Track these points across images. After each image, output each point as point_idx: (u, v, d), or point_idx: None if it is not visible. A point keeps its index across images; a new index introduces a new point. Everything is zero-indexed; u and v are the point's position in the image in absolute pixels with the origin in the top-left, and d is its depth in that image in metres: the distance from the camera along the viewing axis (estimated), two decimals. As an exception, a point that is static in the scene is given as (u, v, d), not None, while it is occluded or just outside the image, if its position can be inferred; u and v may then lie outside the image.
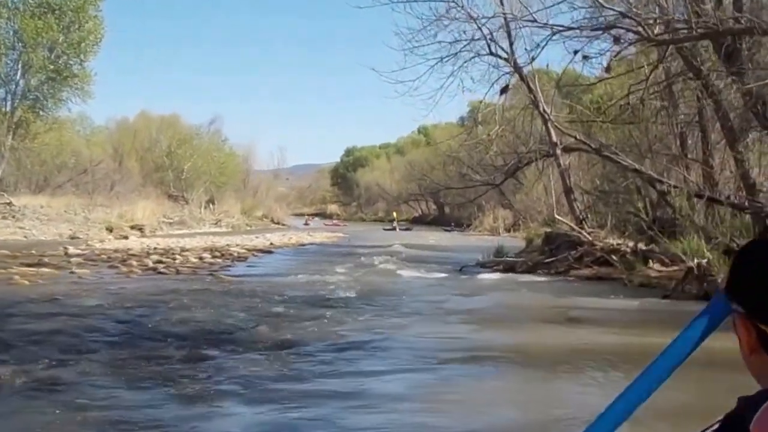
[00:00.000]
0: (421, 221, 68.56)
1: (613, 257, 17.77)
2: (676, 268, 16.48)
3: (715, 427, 0.88)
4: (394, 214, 66.52)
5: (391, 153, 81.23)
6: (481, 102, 23.44)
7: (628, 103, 17.72)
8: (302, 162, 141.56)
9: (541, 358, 9.29)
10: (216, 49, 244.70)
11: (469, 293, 16.25)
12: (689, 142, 23.19)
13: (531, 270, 19.98)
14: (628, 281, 16.27)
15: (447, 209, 65.73)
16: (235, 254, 26.99)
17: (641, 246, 17.50)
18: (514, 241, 31.12)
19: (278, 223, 64.07)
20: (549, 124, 20.70)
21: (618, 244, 18.16)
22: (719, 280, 11.79)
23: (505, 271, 21.24)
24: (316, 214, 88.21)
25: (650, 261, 17.23)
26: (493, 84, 21.40)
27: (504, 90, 21.12)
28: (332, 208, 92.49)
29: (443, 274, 21.21)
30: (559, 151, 20.65)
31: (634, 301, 13.90)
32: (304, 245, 35.97)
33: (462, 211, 59.36)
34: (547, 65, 25.22)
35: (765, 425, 0.78)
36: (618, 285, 16.47)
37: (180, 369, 7.55)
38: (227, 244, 31.13)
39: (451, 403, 6.79)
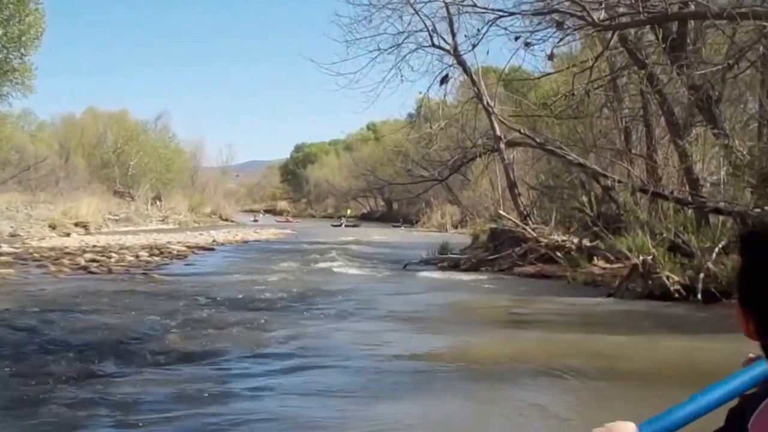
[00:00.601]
0: (369, 218, 67.58)
1: (558, 254, 17.02)
2: (620, 265, 15.79)
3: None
4: (349, 211, 65.61)
5: (340, 149, 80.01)
6: (421, 94, 22.46)
7: (573, 93, 16.91)
8: (253, 158, 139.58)
9: (481, 366, 8.36)
10: (165, 44, 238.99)
11: (409, 292, 15.33)
12: (634, 137, 22.71)
13: (475, 267, 19.15)
14: (572, 279, 15.51)
15: (395, 205, 64.94)
16: (175, 252, 25.68)
17: (586, 242, 16.78)
18: (461, 238, 30.44)
19: (227, 220, 62.83)
20: (493, 118, 19.88)
21: (563, 241, 17.43)
22: (664, 278, 11.00)
23: (449, 268, 20.43)
24: (266, 211, 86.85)
25: (595, 258, 16.52)
26: (436, 77, 20.54)
27: (444, 80, 20.24)
28: (282, 204, 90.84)
29: (386, 272, 20.27)
30: (502, 145, 19.84)
31: (578, 300, 13.10)
32: (248, 242, 34.73)
33: (410, 207, 58.70)
34: (488, 52, 24.48)
35: (762, 425, 0.79)
36: (562, 283, 15.71)
37: (60, 389, 6.42)
38: (168, 242, 29.71)
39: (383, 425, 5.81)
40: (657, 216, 17.59)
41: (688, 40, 17.28)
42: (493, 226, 21.74)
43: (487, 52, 30.89)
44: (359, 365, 8.04)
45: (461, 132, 23.98)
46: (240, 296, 14.03)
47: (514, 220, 19.28)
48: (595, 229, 17.75)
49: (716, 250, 12.37)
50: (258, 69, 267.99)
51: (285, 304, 13.15)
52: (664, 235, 12.94)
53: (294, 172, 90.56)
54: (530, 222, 19.32)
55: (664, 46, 16.79)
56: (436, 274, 18.89)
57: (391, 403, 6.55)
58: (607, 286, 14.31)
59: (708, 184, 18.63)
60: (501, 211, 20.28)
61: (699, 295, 11.84)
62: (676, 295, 12.18)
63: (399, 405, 6.51)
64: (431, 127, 22.15)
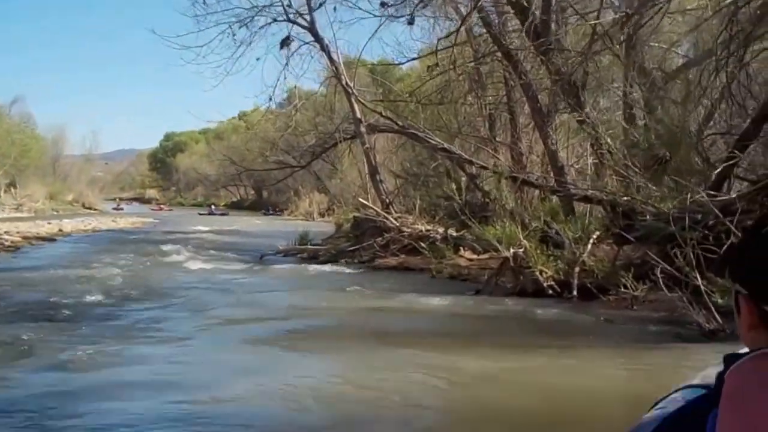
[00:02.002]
0: (239, 206, 64.46)
1: (422, 244, 15.08)
2: (487, 256, 14.06)
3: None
4: (218, 202, 62.22)
5: (210, 138, 75.75)
6: (281, 76, 19.97)
7: (435, 67, 15.06)
8: (123, 147, 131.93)
9: (324, 396, 6.14)
10: (24, 26, 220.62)
11: (256, 290, 12.93)
12: (498, 124, 21.31)
13: (334, 259, 16.97)
14: (437, 272, 13.61)
15: (265, 194, 62.06)
16: (7, 243, 22.02)
17: (452, 232, 14.94)
18: (327, 226, 28.36)
19: (90, 208, 58.88)
20: (352, 99, 17.69)
21: (427, 230, 15.50)
22: (537, 273, 9.16)
23: (308, 259, 18.20)
24: (134, 199, 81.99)
25: (461, 248, 14.71)
26: (292, 54, 18.12)
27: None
28: (151, 192, 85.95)
29: (238, 265, 17.78)
30: (363, 129, 17.69)
31: (442, 298, 11.06)
32: (100, 231, 31.07)
33: (279, 195, 56.25)
34: (336, 24, 22.18)
35: (739, 373, 0.76)
36: (426, 277, 13.77)
37: None
38: (6, 231, 25.80)
39: None
40: (523, 205, 16.09)
41: (552, 28, 16.09)
42: (357, 214, 19.61)
43: (335, 23, 28.58)
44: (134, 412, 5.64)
45: (322, 116, 21.74)
46: (54, 299, 11.17)
47: (375, 208, 17.19)
48: (462, 218, 16.03)
49: (591, 241, 10.74)
50: (127, 56, 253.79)
51: (105, 311, 10.47)
52: (534, 225, 11.17)
53: (163, 160, 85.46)
54: (393, 210, 17.30)
55: (527, 34, 15.52)
56: (293, 267, 16.57)
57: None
58: (474, 281, 12.49)
59: (573, 172, 17.35)
60: (362, 200, 18.15)
61: (575, 292, 10.15)
62: (550, 292, 10.44)
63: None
64: (294, 111, 19.72)
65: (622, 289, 9.55)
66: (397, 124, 16.80)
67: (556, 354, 7.38)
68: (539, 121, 17.33)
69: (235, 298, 11.90)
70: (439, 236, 15.03)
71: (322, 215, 42.38)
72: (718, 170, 10.49)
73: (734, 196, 8.84)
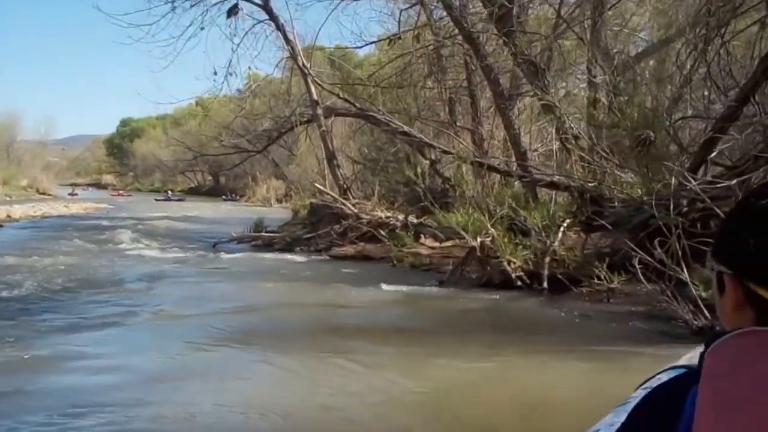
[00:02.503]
0: (197, 192, 62.71)
1: (381, 232, 14.13)
2: (449, 243, 13.19)
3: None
4: (175, 188, 60.40)
5: (168, 124, 73.50)
6: (233, 57, 18.76)
7: (398, 40, 14.15)
8: (79, 132, 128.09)
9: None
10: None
11: (206, 281, 11.88)
12: (458, 109, 20.43)
13: (290, 247, 15.92)
14: (398, 261, 12.67)
15: (222, 180, 60.39)
16: (-55, 231, 20.49)
17: (412, 219, 14.00)
18: (285, 213, 27.30)
19: (44, 194, 56.75)
20: (309, 80, 16.57)
21: (387, 217, 14.51)
22: (505, 263, 8.27)
23: (263, 247, 17.13)
24: (91, 185, 79.52)
25: (422, 236, 13.80)
26: (246, 33, 16.91)
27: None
28: (108, 178, 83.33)
29: (189, 254, 16.63)
30: (320, 111, 16.58)
31: (403, 291, 10.09)
32: (50, 217, 29.44)
33: (237, 181, 54.79)
34: (292, 4, 21.06)
35: (719, 351, 0.76)
36: (386, 266, 12.83)
37: None
38: (-53, 218, 24.17)
39: None
40: (485, 191, 15.27)
41: (515, 11, 15.35)
42: (313, 201, 18.52)
43: (298, 4, 27.14)
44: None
45: (277, 97, 20.58)
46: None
47: (332, 194, 16.12)
48: (423, 204, 15.13)
49: (562, 230, 9.90)
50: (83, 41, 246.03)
51: (32, 305, 9.33)
52: (501, 212, 10.28)
53: (120, 146, 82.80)
54: (351, 197, 16.28)
55: (490, 16, 14.74)
56: (246, 255, 15.48)
57: None
58: (437, 270, 11.58)
59: (537, 157, 16.58)
60: (318, 185, 17.08)
61: (545, 284, 9.29)
62: (519, 283, 9.56)
63: None
64: (248, 93, 18.53)
65: (596, 281, 8.74)
66: (355, 106, 15.78)
67: (527, 355, 6.51)
68: (501, 104, 16.56)
69: (181, 291, 10.82)
70: (399, 223, 14.09)
71: (279, 201, 41.23)
72: (696, 154, 9.72)
73: (731, 182, 8.02)
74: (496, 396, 5.43)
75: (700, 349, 0.80)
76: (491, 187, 16.55)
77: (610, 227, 11.31)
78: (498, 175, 16.09)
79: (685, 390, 0.78)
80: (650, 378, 0.88)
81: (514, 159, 16.00)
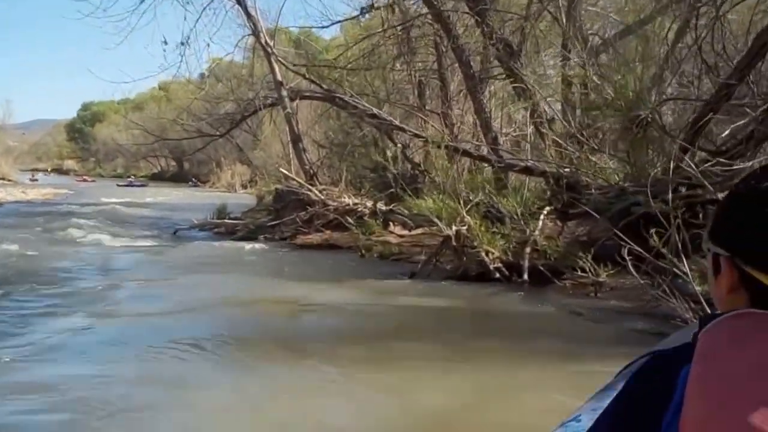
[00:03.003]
0: (160, 177, 60.99)
1: (349, 219, 13.27)
2: (419, 231, 12.41)
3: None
4: (138, 174, 58.68)
5: (129, 108, 71.35)
6: (191, 33, 17.63)
7: (371, 9, 13.29)
8: (40, 117, 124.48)
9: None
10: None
11: (161, 273, 10.89)
12: (428, 92, 19.58)
13: (253, 234, 14.97)
14: (366, 250, 11.83)
15: (186, 165, 58.77)
16: None
17: (381, 206, 13.16)
18: (250, 199, 26.36)
19: (3, 179, 54.44)
20: (272, 59, 15.53)
21: (354, 204, 13.61)
22: (483, 253, 7.49)
23: (225, 234, 16.19)
24: (53, 170, 77.18)
25: (391, 224, 12.99)
26: (205, 8, 15.81)
27: None
28: (69, 163, 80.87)
29: (149, 241, 15.64)
30: (284, 92, 15.56)
31: (372, 284, 9.21)
32: (5, 203, 27.99)
33: (201, 167, 53.38)
34: None
35: (713, 332, 0.75)
36: (353, 256, 11.96)
37: None
38: None
39: None
40: (454, 177, 14.50)
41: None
42: (278, 186, 17.52)
43: None
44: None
45: (239, 78, 19.53)
46: None
47: (297, 179, 15.15)
48: (391, 191, 14.32)
49: (542, 217, 9.14)
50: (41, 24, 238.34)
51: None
52: (476, 198, 9.47)
53: (81, 130, 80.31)
54: (317, 182, 15.34)
55: None
56: (207, 244, 14.50)
57: None
58: (407, 260, 10.76)
59: (509, 143, 15.85)
60: (284, 170, 16.12)
61: (525, 276, 8.52)
62: (497, 275, 8.77)
63: None
64: (207, 74, 17.45)
65: (579, 273, 8.01)
66: (321, 87, 14.83)
67: (513, 363, 5.73)
68: (472, 87, 15.81)
69: (132, 286, 9.83)
70: (367, 210, 13.22)
71: (244, 187, 40.15)
72: (685, 137, 9.00)
73: (735, 165, 7.32)
74: (475, 408, 4.65)
75: (678, 333, 0.81)
76: (460, 173, 15.81)
77: (593, 214, 10.62)
78: (468, 161, 15.35)
79: (676, 370, 0.75)
80: (630, 363, 0.84)
81: (484, 144, 15.30)
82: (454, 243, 9.06)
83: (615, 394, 0.80)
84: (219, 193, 36.93)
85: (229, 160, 45.24)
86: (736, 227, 0.79)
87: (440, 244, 9.47)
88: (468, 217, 9.04)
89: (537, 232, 8.89)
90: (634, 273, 7.00)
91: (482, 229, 8.98)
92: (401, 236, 12.54)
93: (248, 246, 13.91)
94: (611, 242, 9.77)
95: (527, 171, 12.56)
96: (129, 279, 10.25)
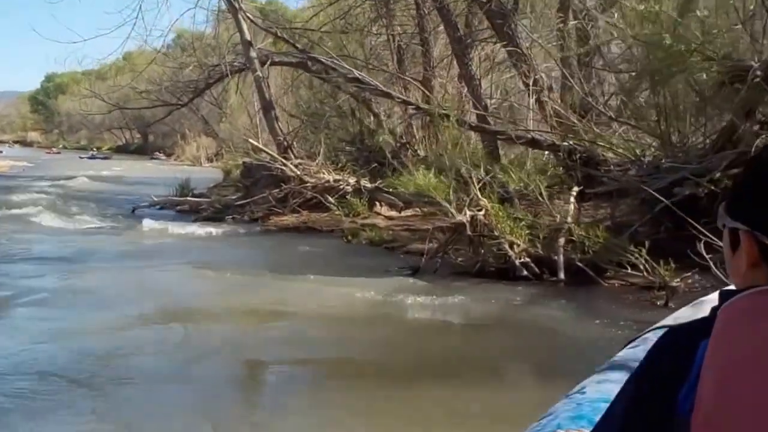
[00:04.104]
0: (125, 150, 57.77)
1: (329, 198, 11.20)
2: (410, 212, 10.43)
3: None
4: (102, 146, 55.47)
5: (93, 80, 67.54)
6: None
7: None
8: (3, 89, 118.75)
9: None
10: None
11: (110, 263, 8.75)
12: (407, 59, 17.47)
13: (220, 214, 12.82)
14: (351, 236, 9.78)
15: (151, 138, 55.64)
16: None
17: (365, 183, 11.10)
18: (216, 173, 24.16)
19: None
20: (240, 16, 13.22)
21: (336, 181, 11.47)
22: (506, 245, 5.53)
23: (189, 212, 14.04)
24: (17, 142, 73.13)
25: (377, 204, 10.97)
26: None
27: None
28: (33, 135, 76.78)
29: (104, 221, 13.48)
30: (254, 54, 13.27)
31: (366, 283, 7.09)
32: (-46, 178, 25.18)
33: (166, 139, 50.39)
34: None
35: (733, 308, 0.71)
36: (337, 242, 9.91)
37: None
38: None
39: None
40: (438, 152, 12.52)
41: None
42: (246, 160, 15.22)
43: None
44: None
45: (200, 41, 17.19)
46: None
47: (269, 152, 12.90)
48: (374, 166, 12.30)
49: (573, 200, 7.21)
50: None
51: None
52: (491, 176, 7.47)
53: (44, 102, 76.01)
54: (292, 156, 13.15)
55: None
56: (166, 226, 12.22)
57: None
58: (402, 249, 8.74)
59: (501, 113, 13.91)
60: (253, 140, 13.88)
61: (561, 274, 6.57)
62: (525, 272, 6.81)
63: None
64: (167, 32, 15.04)
65: (629, 270, 6.11)
66: (296, 47, 12.62)
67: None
68: (459, 51, 13.85)
69: (73, 279, 7.71)
70: (350, 188, 11.15)
71: (210, 160, 37.58)
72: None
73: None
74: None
75: (687, 309, 0.82)
76: (444, 147, 13.84)
77: (614, 195, 8.75)
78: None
79: (695, 344, 0.72)
80: (635, 338, 0.85)
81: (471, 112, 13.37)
82: (469, 232, 7.06)
83: (623, 368, 0.78)
84: (184, 167, 34.42)
85: (194, 132, 42.57)
86: (757, 200, 0.72)
87: (452, 232, 7.42)
88: (484, 199, 7.03)
89: (569, 219, 6.95)
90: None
91: (502, 214, 7.01)
92: (390, 218, 10.55)
93: (214, 228, 11.77)
94: (644, 228, 7.91)
95: (533, 143, 10.66)
96: (66, 271, 8.09)
